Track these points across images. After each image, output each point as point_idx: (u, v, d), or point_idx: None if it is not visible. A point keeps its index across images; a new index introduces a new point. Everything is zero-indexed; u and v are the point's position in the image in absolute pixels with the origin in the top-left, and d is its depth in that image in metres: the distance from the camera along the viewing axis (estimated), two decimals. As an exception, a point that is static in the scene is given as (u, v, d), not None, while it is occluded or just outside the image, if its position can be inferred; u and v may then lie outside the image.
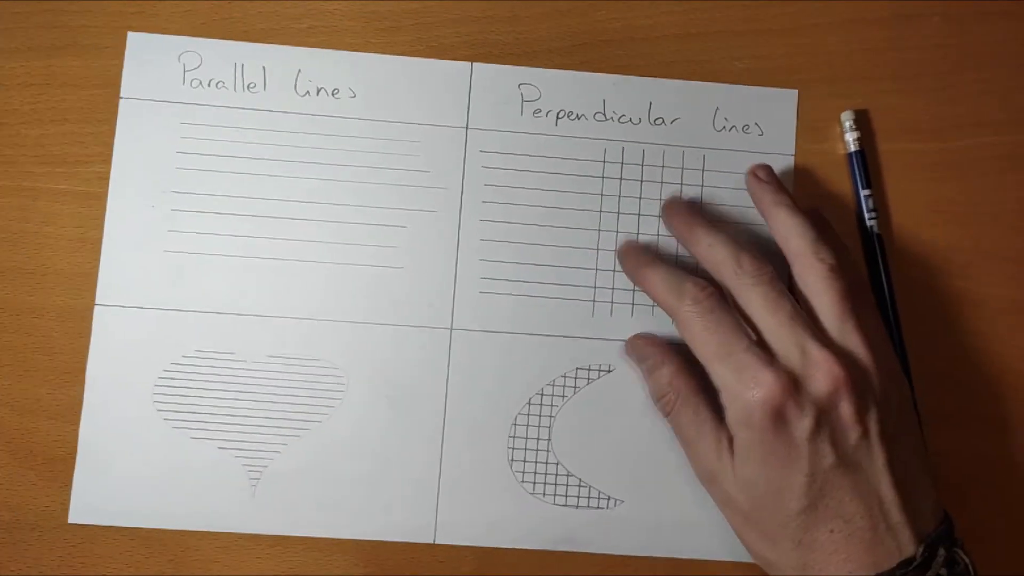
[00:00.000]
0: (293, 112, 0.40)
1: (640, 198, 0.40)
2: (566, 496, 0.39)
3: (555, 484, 0.39)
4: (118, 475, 0.38)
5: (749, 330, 0.34)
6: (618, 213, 0.40)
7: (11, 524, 0.38)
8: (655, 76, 0.41)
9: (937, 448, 0.40)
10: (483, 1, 0.41)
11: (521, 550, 0.39)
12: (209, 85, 0.40)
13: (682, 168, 0.41)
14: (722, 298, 0.35)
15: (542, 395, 0.39)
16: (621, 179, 0.41)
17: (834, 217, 0.40)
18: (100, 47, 0.40)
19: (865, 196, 0.40)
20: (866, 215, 0.40)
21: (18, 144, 0.39)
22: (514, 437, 0.39)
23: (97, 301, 0.39)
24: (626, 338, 0.40)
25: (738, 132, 0.41)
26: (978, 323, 0.40)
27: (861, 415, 0.33)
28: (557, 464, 0.39)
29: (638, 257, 0.38)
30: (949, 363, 0.40)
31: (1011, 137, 0.41)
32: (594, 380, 0.40)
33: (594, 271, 0.40)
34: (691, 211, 0.39)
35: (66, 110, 0.40)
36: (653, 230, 0.40)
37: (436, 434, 0.39)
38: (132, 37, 0.40)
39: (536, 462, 0.39)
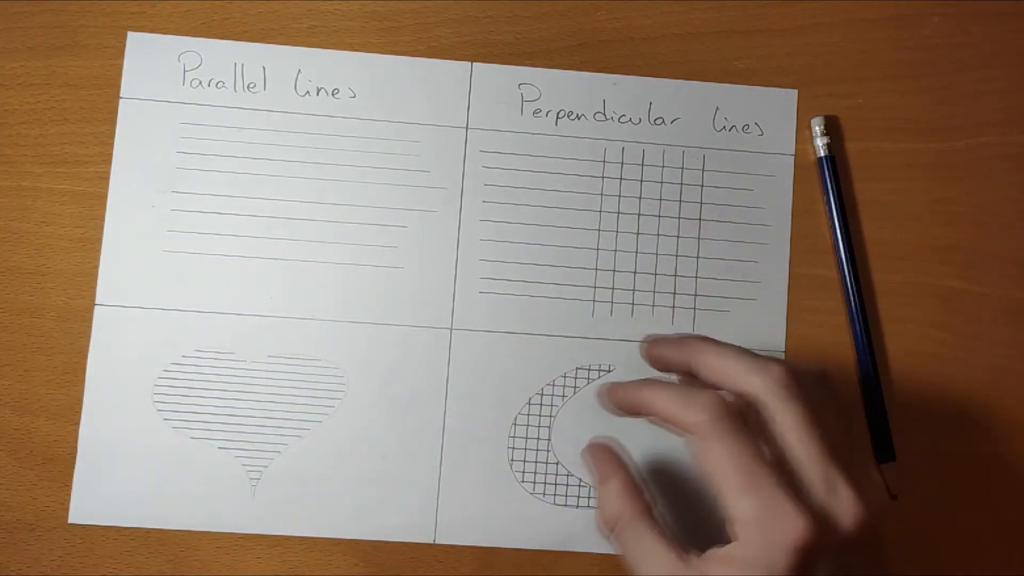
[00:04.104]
0: (293, 112, 0.40)
1: (640, 198, 0.40)
2: (566, 496, 0.39)
3: (555, 484, 0.39)
4: (118, 475, 0.38)
5: (771, 457, 0.30)
6: (618, 213, 0.40)
7: (11, 524, 0.38)
8: (655, 76, 0.41)
9: (936, 450, 0.40)
10: (483, 1, 0.41)
11: (521, 550, 0.39)
12: (209, 85, 0.40)
13: (682, 168, 0.41)
14: (743, 416, 0.30)
15: (542, 395, 0.39)
16: (621, 179, 0.41)
17: (827, 218, 0.40)
18: (100, 47, 0.40)
19: (834, 201, 0.40)
20: (836, 220, 0.40)
21: (18, 144, 0.39)
22: (514, 437, 0.39)
23: (97, 301, 0.39)
24: (626, 338, 0.40)
25: (738, 132, 0.41)
26: (978, 323, 0.40)
27: (873, 561, 0.30)
28: (557, 464, 0.39)
29: (628, 386, 0.34)
30: (949, 364, 0.40)
31: (1011, 137, 0.41)
32: (594, 380, 0.40)
33: (594, 271, 0.40)
34: (677, 335, 0.35)
35: (66, 110, 0.40)
36: (653, 230, 0.40)
37: (436, 434, 0.39)
38: (132, 37, 0.40)
39: (536, 462, 0.39)
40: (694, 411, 0.30)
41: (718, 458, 0.30)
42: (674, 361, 0.34)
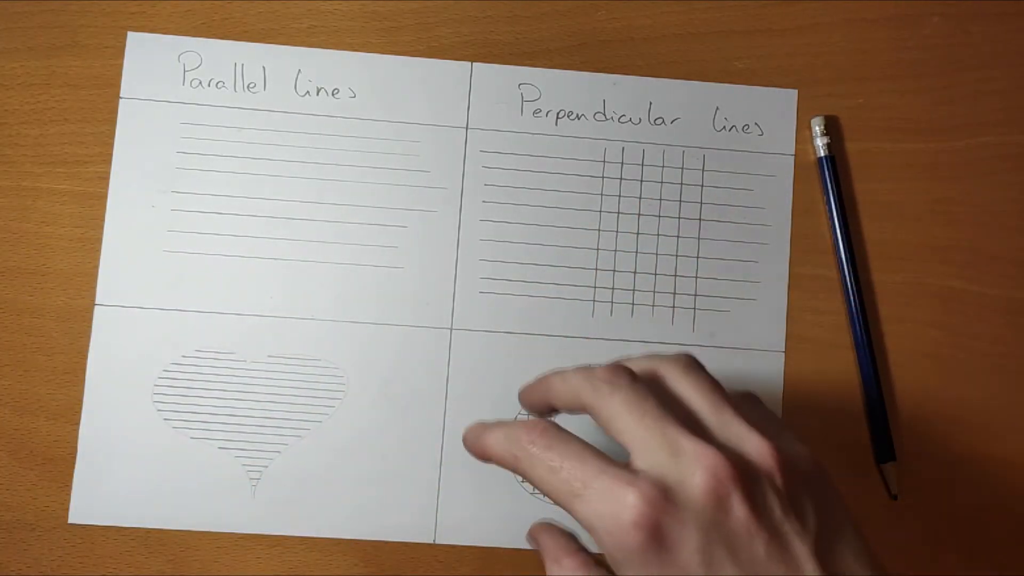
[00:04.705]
0: (293, 112, 0.40)
1: (640, 198, 0.40)
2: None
3: (555, 484, 0.39)
4: (118, 475, 0.38)
5: (601, 452, 0.28)
6: (618, 213, 0.40)
7: (11, 524, 0.38)
8: (655, 76, 0.41)
9: (936, 450, 0.40)
10: (483, 1, 0.41)
11: (521, 550, 0.39)
12: (209, 85, 0.40)
13: (682, 168, 0.41)
14: (558, 429, 0.29)
15: (542, 395, 0.39)
16: (621, 179, 0.41)
17: (828, 218, 0.40)
18: (100, 47, 0.40)
19: (834, 201, 0.40)
20: (836, 220, 0.40)
21: (18, 144, 0.39)
22: (514, 437, 0.39)
23: (97, 301, 0.39)
24: (626, 338, 0.40)
25: (738, 132, 0.41)
26: (978, 323, 0.40)
27: (760, 515, 0.26)
28: (557, 464, 0.39)
29: (476, 431, 0.31)
30: (949, 364, 0.40)
31: (1011, 137, 0.41)
32: (594, 380, 0.40)
33: (594, 271, 0.40)
34: (536, 377, 0.33)
35: (66, 110, 0.40)
36: (653, 230, 0.40)
37: (436, 434, 0.39)
38: (132, 37, 0.40)
39: (536, 462, 0.39)
40: (512, 444, 0.29)
41: (544, 475, 0.28)
42: (536, 401, 0.33)
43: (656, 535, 0.26)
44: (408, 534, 0.39)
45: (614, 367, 0.30)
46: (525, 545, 0.39)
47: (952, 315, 0.41)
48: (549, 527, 0.32)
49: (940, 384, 0.40)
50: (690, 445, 0.27)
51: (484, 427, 0.31)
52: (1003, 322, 0.41)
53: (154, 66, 0.40)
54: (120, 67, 0.40)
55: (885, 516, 0.39)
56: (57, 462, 0.38)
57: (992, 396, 0.40)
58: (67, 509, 0.38)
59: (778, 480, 0.27)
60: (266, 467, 0.38)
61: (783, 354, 0.40)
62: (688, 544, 0.26)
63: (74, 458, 0.38)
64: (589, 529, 0.27)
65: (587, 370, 0.30)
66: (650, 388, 0.29)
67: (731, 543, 0.26)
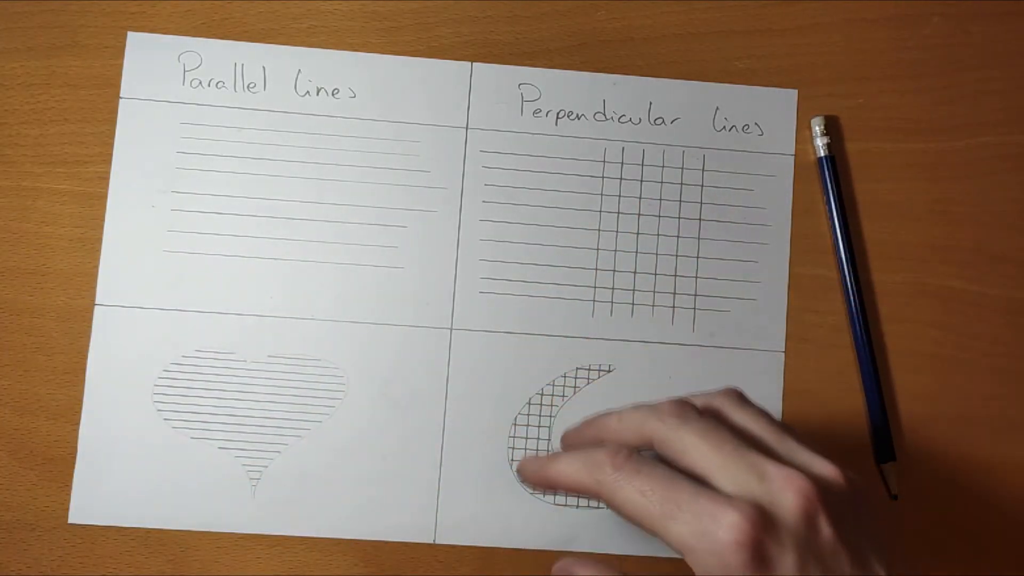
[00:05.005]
0: (293, 112, 0.40)
1: (640, 198, 0.40)
2: (566, 496, 0.39)
3: (555, 484, 0.39)
4: (118, 475, 0.38)
5: (687, 476, 0.29)
6: (618, 213, 0.40)
7: (11, 524, 0.38)
8: (655, 76, 0.41)
9: (936, 450, 0.40)
10: (483, 1, 0.41)
11: (521, 550, 0.39)
12: (209, 85, 0.40)
13: (682, 168, 0.41)
14: (641, 454, 0.30)
15: (542, 395, 0.39)
16: (621, 179, 0.41)
17: (828, 218, 0.40)
18: (100, 47, 0.40)
19: (834, 201, 0.40)
20: (836, 220, 0.40)
21: (18, 144, 0.39)
22: (514, 437, 0.39)
23: (97, 301, 0.39)
24: (626, 338, 0.40)
25: (738, 132, 0.41)
26: (978, 323, 0.40)
27: (842, 533, 0.28)
28: (557, 464, 0.39)
29: (537, 461, 0.32)
30: (949, 364, 0.40)
31: (1011, 137, 0.41)
32: (594, 380, 0.40)
33: (594, 271, 0.40)
34: (582, 420, 0.34)
35: (66, 110, 0.40)
36: (653, 230, 0.40)
37: (436, 434, 0.39)
38: (132, 37, 0.40)
39: (536, 462, 0.39)
40: (593, 470, 0.30)
41: (634, 500, 0.29)
42: (585, 444, 0.33)
43: (758, 554, 0.27)
44: (408, 534, 0.39)
45: (678, 402, 0.31)
46: (525, 545, 0.39)
47: (952, 315, 0.41)
48: (582, 562, 0.32)
49: (940, 384, 0.40)
50: (776, 469, 0.28)
51: (548, 458, 0.32)
52: (1003, 322, 0.41)
53: (154, 66, 0.40)
54: (120, 67, 0.40)
55: (885, 516, 0.39)
56: (57, 462, 0.38)
57: (992, 396, 0.40)
58: (67, 509, 0.38)
59: (849, 500, 0.29)
60: (266, 467, 0.38)
61: (783, 354, 0.40)
62: (786, 563, 0.27)
63: (74, 458, 0.38)
64: (685, 550, 0.28)
65: (648, 406, 0.31)
66: (718, 419, 0.31)
67: (821, 560, 0.28)
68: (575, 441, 0.34)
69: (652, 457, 0.30)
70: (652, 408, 0.31)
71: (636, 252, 0.40)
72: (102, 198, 0.39)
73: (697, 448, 0.29)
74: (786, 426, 0.31)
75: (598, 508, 0.39)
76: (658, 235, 0.40)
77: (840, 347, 0.40)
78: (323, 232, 0.40)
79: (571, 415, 0.39)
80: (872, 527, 0.30)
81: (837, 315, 0.40)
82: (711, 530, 0.27)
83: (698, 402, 0.32)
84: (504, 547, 0.39)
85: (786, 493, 0.28)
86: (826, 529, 0.28)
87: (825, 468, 0.30)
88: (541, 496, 0.39)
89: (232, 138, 0.40)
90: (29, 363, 0.39)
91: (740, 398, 0.32)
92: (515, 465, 0.35)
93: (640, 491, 0.29)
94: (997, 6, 0.42)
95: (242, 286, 0.39)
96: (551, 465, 0.31)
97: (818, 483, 0.28)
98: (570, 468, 0.31)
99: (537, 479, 0.32)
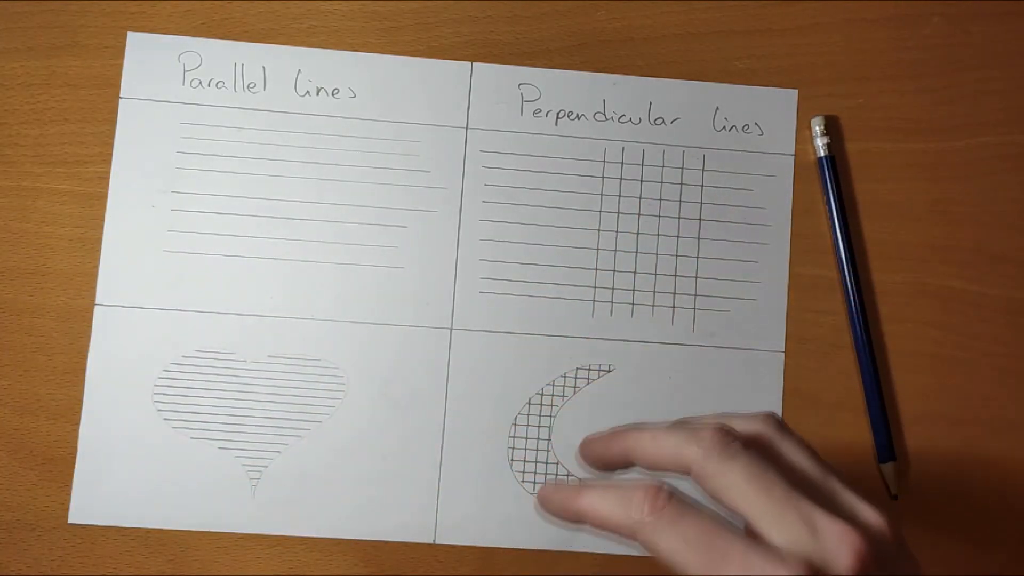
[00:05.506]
0: (293, 112, 0.40)
1: (640, 198, 0.40)
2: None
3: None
4: (118, 475, 0.38)
5: (735, 525, 0.28)
6: (618, 213, 0.40)
7: (11, 524, 0.38)
8: (655, 76, 0.41)
9: (936, 450, 0.40)
10: (483, 1, 0.41)
11: (521, 550, 0.39)
12: (209, 85, 0.40)
13: (682, 168, 0.41)
14: (681, 496, 0.28)
15: (542, 395, 0.39)
16: (621, 179, 0.41)
17: (828, 218, 0.40)
18: (100, 47, 0.40)
19: (834, 201, 0.40)
20: (836, 220, 0.40)
21: (18, 144, 0.39)
22: (514, 437, 0.39)
23: (97, 301, 0.39)
24: (626, 338, 0.40)
25: (738, 132, 0.41)
26: (978, 323, 0.40)
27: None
28: (557, 464, 0.39)
29: (563, 491, 0.30)
30: (949, 364, 0.40)
31: (1011, 137, 0.41)
32: (594, 380, 0.40)
33: (594, 271, 0.40)
34: (610, 430, 0.32)
35: (66, 110, 0.40)
36: (653, 230, 0.40)
37: (436, 434, 0.39)
38: (132, 37, 0.40)
39: (536, 462, 0.39)
40: (630, 509, 0.28)
41: (673, 548, 0.27)
42: (611, 456, 0.32)
43: None
44: (408, 534, 0.39)
45: (720, 430, 0.29)
46: (525, 545, 0.39)
47: (952, 315, 0.41)
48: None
49: (940, 384, 0.40)
50: (829, 524, 0.27)
51: (575, 489, 0.29)
52: (1003, 322, 0.41)
53: (154, 66, 0.40)
54: (120, 67, 0.40)
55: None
56: (57, 462, 0.38)
57: (992, 396, 0.40)
58: (67, 509, 0.38)
59: (893, 552, 0.28)
60: (266, 467, 0.38)
61: (783, 354, 0.40)
62: None
63: (74, 458, 0.38)
64: None
65: (686, 431, 0.29)
66: (767, 457, 0.28)
67: None
68: (599, 452, 0.32)
69: (691, 499, 0.28)
70: (692, 433, 0.29)
71: (636, 252, 0.40)
72: (102, 198, 0.39)
73: (743, 491, 0.28)
74: (829, 465, 0.30)
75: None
76: (658, 235, 0.40)
77: (840, 347, 0.40)
78: (323, 232, 0.40)
79: (571, 415, 0.39)
80: (912, 572, 0.29)
81: (837, 315, 0.40)
82: None
83: (740, 429, 0.30)
84: (504, 547, 0.39)
85: (841, 551, 0.26)
86: None
87: (872, 517, 0.28)
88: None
89: (232, 138, 0.40)
90: (29, 363, 0.39)
91: (781, 427, 0.30)
92: (536, 494, 0.32)
93: (684, 539, 0.27)
94: (997, 6, 0.42)
95: (242, 286, 0.39)
96: (580, 499, 0.29)
97: (870, 538, 0.27)
98: (603, 506, 0.29)
99: (563, 512, 0.30)
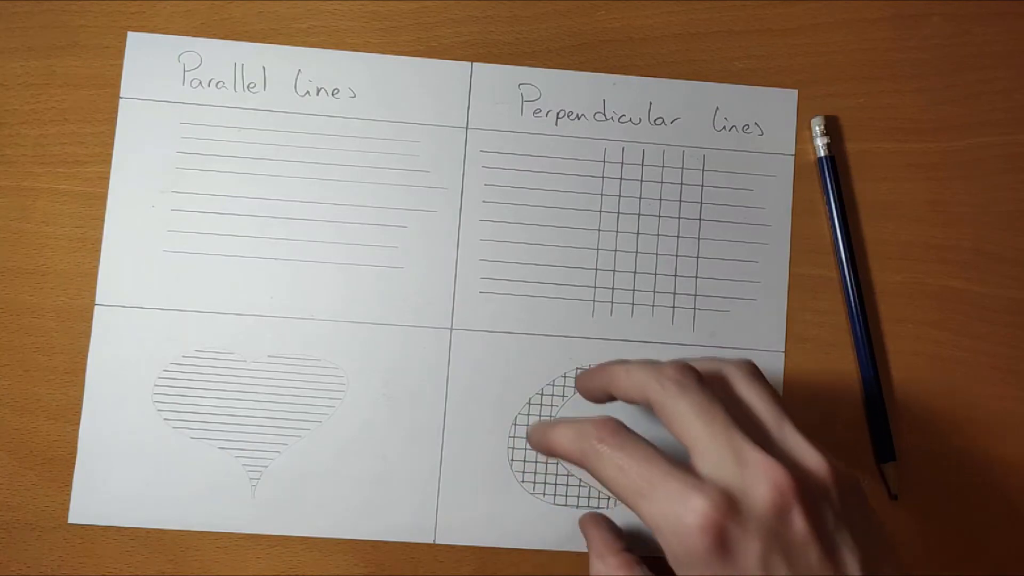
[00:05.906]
0: (293, 112, 0.40)
1: (640, 198, 0.40)
2: (566, 496, 0.39)
3: (555, 484, 0.39)
4: (118, 475, 0.38)
5: (667, 455, 0.29)
6: (618, 213, 0.40)
7: (11, 524, 0.38)
8: (655, 76, 0.41)
9: (936, 450, 0.40)
10: (483, 1, 0.41)
11: (521, 550, 0.39)
12: (209, 85, 0.40)
13: (682, 168, 0.41)
14: (627, 430, 0.30)
15: (542, 395, 0.39)
16: (621, 179, 0.41)
17: (828, 218, 0.40)
18: (100, 47, 0.40)
19: (834, 201, 0.40)
20: (836, 220, 0.40)
21: (18, 144, 0.39)
22: (514, 437, 0.39)
23: (97, 301, 0.39)
24: (626, 338, 0.40)
25: (738, 132, 0.41)
26: (978, 323, 0.40)
27: (817, 527, 0.28)
28: (557, 464, 0.39)
29: (541, 428, 0.33)
30: (949, 363, 0.40)
31: (1011, 137, 0.41)
32: (594, 380, 0.40)
33: (594, 271, 0.40)
34: (599, 365, 0.34)
35: (66, 110, 0.40)
36: (653, 230, 0.40)
37: (436, 434, 0.39)
38: (132, 37, 0.40)
39: (536, 462, 0.39)
40: (581, 440, 0.30)
41: (613, 474, 0.29)
42: (594, 388, 0.34)
43: (721, 541, 0.27)
44: (408, 534, 0.39)
45: (682, 366, 0.31)
46: (525, 545, 0.39)
47: (952, 315, 0.41)
48: (599, 520, 0.35)
49: (940, 384, 0.40)
50: (756, 457, 0.28)
51: (550, 424, 0.32)
52: (1003, 322, 0.41)
53: (154, 66, 0.40)
54: (120, 67, 0.40)
55: (885, 516, 0.39)
56: (57, 462, 0.38)
57: (992, 396, 0.40)
58: (67, 509, 0.38)
59: (833, 495, 0.29)
60: (266, 467, 0.38)
61: (783, 354, 0.40)
62: (750, 551, 0.27)
63: (74, 458, 0.38)
64: (654, 528, 0.28)
65: (653, 366, 0.31)
66: (717, 393, 0.30)
67: (788, 552, 0.27)
68: (585, 384, 0.35)
69: (637, 434, 0.30)
70: (656, 368, 0.31)
71: (636, 252, 0.40)
72: (102, 198, 0.39)
73: (687, 420, 0.29)
74: (788, 412, 0.31)
75: (598, 508, 0.39)
76: (658, 235, 0.40)
77: (840, 347, 0.40)
78: (323, 232, 0.40)
79: (571, 415, 0.39)
80: (860, 524, 0.29)
81: (837, 315, 0.40)
82: (678, 512, 0.28)
83: (703, 366, 0.32)
84: (504, 547, 0.39)
85: (760, 482, 0.28)
86: (799, 523, 0.28)
87: (813, 459, 0.29)
88: (541, 496, 0.39)
89: (232, 138, 0.40)
90: (29, 363, 0.39)
91: (752, 372, 0.32)
92: (524, 434, 0.37)
93: (619, 466, 0.29)
94: (997, 6, 0.42)
95: (242, 286, 0.39)
96: (550, 432, 0.32)
97: (799, 475, 0.28)
98: (564, 438, 0.31)
99: (539, 445, 0.33)
